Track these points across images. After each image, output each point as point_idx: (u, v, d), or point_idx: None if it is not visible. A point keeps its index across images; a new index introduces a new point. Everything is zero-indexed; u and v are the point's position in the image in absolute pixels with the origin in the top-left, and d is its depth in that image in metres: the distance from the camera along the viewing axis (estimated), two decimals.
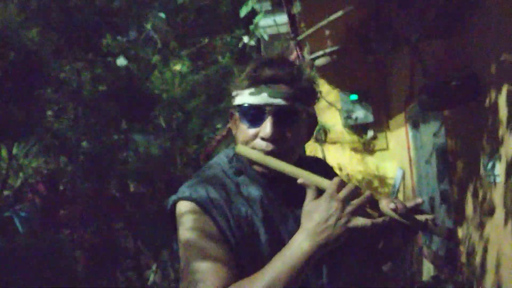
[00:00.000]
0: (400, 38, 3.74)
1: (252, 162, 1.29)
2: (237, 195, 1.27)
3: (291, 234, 1.18)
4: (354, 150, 6.55)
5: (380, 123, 6.44)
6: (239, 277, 1.16)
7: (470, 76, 3.44)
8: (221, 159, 1.39)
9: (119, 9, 4.73)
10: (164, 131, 5.83)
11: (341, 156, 6.24)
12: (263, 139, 1.26)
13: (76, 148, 4.07)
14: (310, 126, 1.38)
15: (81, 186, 4.34)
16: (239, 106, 1.29)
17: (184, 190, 1.27)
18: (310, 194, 1.15)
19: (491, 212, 3.44)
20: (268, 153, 1.25)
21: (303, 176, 1.19)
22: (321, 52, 4.72)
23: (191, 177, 1.35)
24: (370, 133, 6.45)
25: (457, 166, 4.18)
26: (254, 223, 1.25)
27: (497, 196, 3.28)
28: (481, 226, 3.68)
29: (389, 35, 3.84)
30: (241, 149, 1.28)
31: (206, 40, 6.00)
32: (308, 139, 1.39)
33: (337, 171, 1.11)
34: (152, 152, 5.77)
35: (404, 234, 1.23)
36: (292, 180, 1.23)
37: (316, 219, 1.10)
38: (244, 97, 1.28)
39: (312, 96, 1.34)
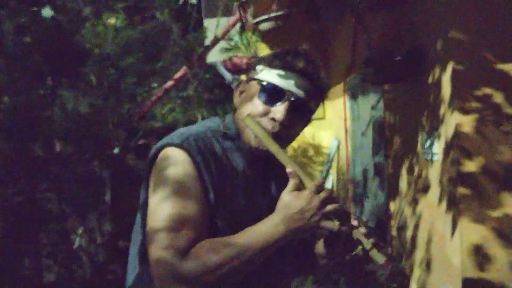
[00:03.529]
0: (347, 6, 3.63)
1: (244, 136, 1.34)
2: (224, 157, 1.31)
3: (265, 211, 1.25)
4: None
5: None
6: (210, 237, 1.21)
7: (414, 51, 3.41)
8: (211, 121, 1.41)
9: None
10: (95, 88, 5.48)
11: None
12: (273, 119, 1.30)
13: None
14: (304, 125, 1.43)
15: (1, 145, 4.02)
16: (263, 81, 1.33)
17: (173, 138, 1.29)
18: (292, 183, 1.22)
19: (425, 189, 3.47)
20: (273, 133, 1.30)
21: (293, 166, 1.25)
22: (265, 16, 4.55)
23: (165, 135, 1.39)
24: None
25: (394, 140, 4.20)
26: (235, 188, 1.29)
27: (433, 173, 3.30)
28: (414, 201, 3.72)
29: (337, 3, 3.73)
30: (249, 119, 1.30)
31: None
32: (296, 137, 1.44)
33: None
34: (81, 110, 5.43)
35: (347, 247, 1.32)
36: (273, 165, 1.34)
37: (295, 208, 1.18)
38: (272, 76, 1.33)
39: (323, 97, 1.41)
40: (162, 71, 7.10)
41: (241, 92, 1.41)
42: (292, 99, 1.30)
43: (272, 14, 4.53)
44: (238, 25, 6.13)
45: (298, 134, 1.40)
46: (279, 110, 1.30)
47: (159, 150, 1.29)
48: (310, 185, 1.21)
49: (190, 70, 6.20)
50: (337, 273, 3.93)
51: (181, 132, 1.32)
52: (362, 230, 1.25)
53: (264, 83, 1.33)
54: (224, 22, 6.06)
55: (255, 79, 1.36)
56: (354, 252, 1.34)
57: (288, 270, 1.44)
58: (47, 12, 3.02)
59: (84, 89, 5.49)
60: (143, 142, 6.69)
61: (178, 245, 1.16)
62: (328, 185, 6.17)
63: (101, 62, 5.57)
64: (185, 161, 1.24)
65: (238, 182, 1.31)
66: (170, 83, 6.40)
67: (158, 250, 1.16)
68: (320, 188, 1.20)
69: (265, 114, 1.31)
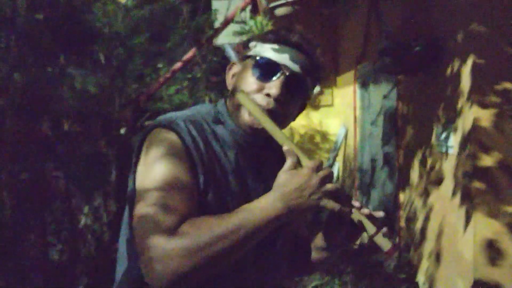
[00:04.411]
0: None
1: (239, 116, 1.27)
2: (214, 141, 1.27)
3: (257, 192, 1.22)
4: None
5: (327, 79, 6.35)
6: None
7: (432, 42, 3.37)
8: (202, 106, 1.37)
9: None
10: (103, 67, 5.43)
11: None
12: (267, 95, 1.24)
13: (7, 81, 3.71)
14: (301, 108, 1.37)
15: (10, 122, 3.99)
16: (256, 56, 1.28)
17: (163, 120, 1.24)
18: (290, 162, 1.16)
19: (438, 181, 3.45)
20: (268, 110, 1.24)
21: (290, 145, 1.20)
22: (283, 1, 4.48)
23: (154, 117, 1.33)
24: (317, 88, 6.34)
25: (406, 131, 4.18)
26: (226, 173, 1.25)
27: (448, 167, 3.29)
28: (425, 193, 3.71)
29: None
30: (243, 97, 1.25)
31: None
32: (293, 119, 1.38)
33: None
34: (89, 89, 5.39)
35: (349, 234, 1.25)
36: (268, 151, 1.28)
37: (293, 186, 1.12)
38: (265, 50, 1.27)
39: (319, 77, 1.36)
40: (170, 52, 7.03)
41: (234, 75, 1.35)
42: (287, 73, 1.25)
43: None
44: (248, 9, 6.06)
45: (294, 114, 1.34)
46: (274, 85, 1.24)
47: (148, 132, 1.24)
48: (309, 163, 1.16)
49: (199, 52, 6.15)
50: (344, 264, 3.93)
51: (170, 115, 1.28)
52: (366, 211, 1.17)
53: (258, 58, 1.27)
54: (235, 4, 5.99)
55: (248, 56, 1.31)
56: (358, 241, 1.29)
57: (281, 270, 1.38)
58: None
59: (92, 68, 5.45)
60: (149, 123, 6.66)
61: (165, 224, 1.08)
62: (334, 172, 6.16)
63: (110, 41, 5.52)
64: (174, 141, 1.19)
65: (229, 167, 1.26)
66: (178, 64, 6.34)
67: (145, 231, 1.09)
68: (319, 166, 1.14)
69: (260, 90, 1.26)
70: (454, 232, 3.19)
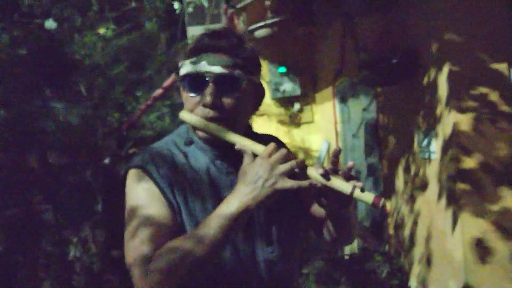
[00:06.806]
0: (339, 10, 3.72)
1: (195, 128, 1.34)
2: (184, 164, 1.34)
3: None
4: (281, 122, 6.57)
5: (307, 96, 6.48)
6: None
7: (409, 54, 3.51)
8: (174, 133, 1.43)
9: None
10: (85, 98, 5.48)
11: (268, 128, 6.23)
12: (204, 105, 1.29)
13: None
14: (256, 96, 1.41)
15: None
16: (182, 75, 1.33)
17: (133, 159, 1.36)
18: (246, 159, 1.21)
19: (423, 186, 3.57)
20: (209, 119, 1.29)
21: (240, 142, 1.25)
22: (261, 23, 4.61)
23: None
24: (297, 106, 6.48)
25: (388, 141, 4.30)
26: (199, 189, 1.31)
27: (432, 172, 3.40)
28: (411, 200, 3.82)
29: (330, 6, 3.81)
30: (184, 115, 1.32)
31: (134, 3, 5.68)
32: (254, 109, 1.43)
33: None
34: (72, 121, 5.41)
35: (339, 200, 1.26)
36: (237, 154, 1.29)
37: (246, 181, 1.18)
38: (186, 67, 1.32)
39: (254, 65, 1.37)
40: (149, 80, 7.11)
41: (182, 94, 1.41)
42: (211, 78, 1.28)
43: (268, 21, 4.59)
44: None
45: (247, 109, 1.38)
46: (205, 93, 1.28)
47: (126, 173, 1.36)
48: (261, 153, 1.20)
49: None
50: (337, 273, 4.01)
51: (144, 151, 1.38)
52: (336, 177, 1.19)
53: (184, 76, 1.32)
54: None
55: (179, 78, 1.35)
56: (349, 250, 1.30)
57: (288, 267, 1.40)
58: (50, 24, 3.04)
59: (74, 100, 5.49)
60: (133, 151, 6.68)
61: (142, 253, 1.20)
62: None
63: (91, 72, 5.57)
64: (143, 179, 1.29)
65: (202, 183, 1.32)
66: (159, 91, 6.42)
67: (129, 265, 1.23)
68: (271, 152, 1.19)
69: (198, 103, 1.31)
70: (442, 234, 3.29)
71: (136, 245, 1.22)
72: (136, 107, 6.52)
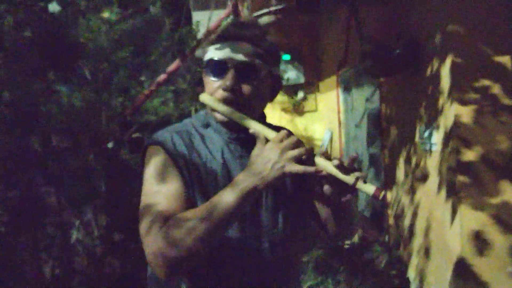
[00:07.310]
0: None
1: (212, 110, 1.42)
2: (201, 144, 1.41)
3: None
4: (284, 110, 6.58)
5: (311, 85, 6.47)
6: None
7: (412, 44, 3.49)
8: (194, 116, 1.52)
9: None
10: (89, 82, 5.48)
11: (271, 116, 6.23)
12: (223, 89, 1.36)
13: None
14: (273, 87, 1.48)
15: (0, 140, 4.03)
16: (206, 60, 1.41)
17: (153, 136, 1.44)
18: (258, 142, 1.27)
19: (424, 178, 3.57)
20: (225, 101, 1.36)
21: (254, 126, 1.31)
22: (265, 10, 4.59)
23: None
24: (301, 94, 6.48)
25: (390, 131, 4.29)
26: (212, 169, 1.37)
27: (432, 163, 3.40)
28: (412, 190, 3.82)
29: None
30: (204, 97, 1.40)
31: None
32: (271, 99, 1.49)
33: None
34: (75, 105, 5.43)
35: (342, 190, 1.30)
36: (252, 136, 1.34)
37: (257, 162, 1.23)
38: (210, 52, 1.41)
39: (274, 57, 1.45)
40: (153, 65, 7.10)
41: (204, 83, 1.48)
42: (232, 65, 1.36)
43: (272, 8, 4.58)
44: (230, 19, 6.16)
45: (264, 98, 1.44)
46: (226, 79, 1.36)
47: (145, 149, 1.44)
48: (273, 137, 1.26)
49: (183, 63, 6.22)
50: (336, 263, 4.03)
51: (164, 130, 1.46)
52: (335, 162, 1.22)
53: (208, 61, 1.40)
54: (217, 15, 6.09)
55: (203, 62, 1.43)
56: (349, 240, 1.33)
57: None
58: (54, 7, 3.04)
59: (78, 83, 5.50)
60: (137, 136, 6.69)
61: (155, 225, 1.24)
62: None
63: (95, 56, 5.57)
64: (161, 154, 1.37)
65: (216, 164, 1.39)
66: (163, 76, 6.41)
67: (142, 235, 1.27)
68: (283, 138, 1.24)
69: (219, 87, 1.38)
70: (441, 226, 3.30)
71: (148, 216, 1.27)
72: (140, 91, 6.52)
